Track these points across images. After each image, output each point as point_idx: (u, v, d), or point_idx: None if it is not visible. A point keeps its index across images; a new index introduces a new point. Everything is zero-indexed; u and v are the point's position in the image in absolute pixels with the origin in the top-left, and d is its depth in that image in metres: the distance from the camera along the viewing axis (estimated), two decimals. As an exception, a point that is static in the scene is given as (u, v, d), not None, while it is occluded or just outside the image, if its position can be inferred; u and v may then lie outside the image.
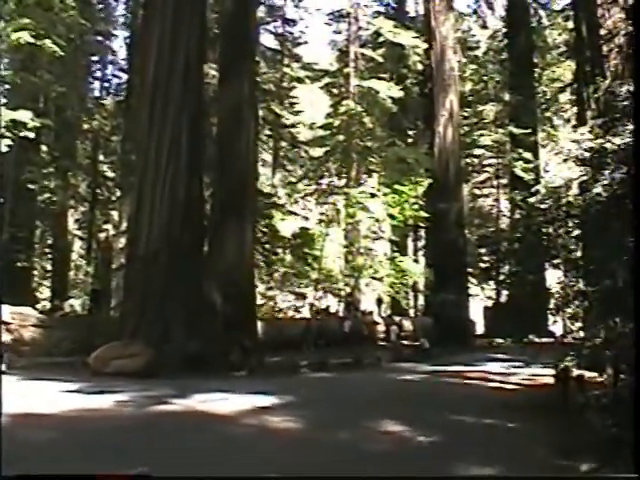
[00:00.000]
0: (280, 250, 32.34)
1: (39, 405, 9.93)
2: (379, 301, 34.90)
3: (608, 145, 8.64)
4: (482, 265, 42.53)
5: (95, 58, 36.73)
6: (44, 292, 36.72)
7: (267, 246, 31.67)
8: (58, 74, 27.42)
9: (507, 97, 42.82)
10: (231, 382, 14.42)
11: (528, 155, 39.19)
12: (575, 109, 31.92)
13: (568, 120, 40.52)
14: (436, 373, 17.81)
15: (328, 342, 23.89)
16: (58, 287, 33.53)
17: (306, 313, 32.52)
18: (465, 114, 40.46)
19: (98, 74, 37.85)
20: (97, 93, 38.14)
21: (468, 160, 43.24)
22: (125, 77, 36.31)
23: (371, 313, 32.14)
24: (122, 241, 28.41)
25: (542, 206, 11.32)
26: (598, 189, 8.73)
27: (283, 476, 4.89)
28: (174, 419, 9.43)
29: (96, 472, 5.81)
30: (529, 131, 39.12)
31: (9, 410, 8.99)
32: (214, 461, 6.82)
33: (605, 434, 6.68)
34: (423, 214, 30.32)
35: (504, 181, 44.50)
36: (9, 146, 22.67)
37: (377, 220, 30.71)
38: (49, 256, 36.34)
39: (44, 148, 32.31)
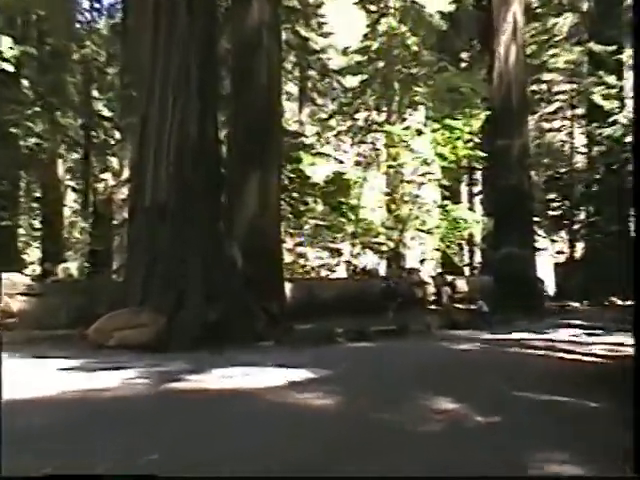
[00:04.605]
0: (310, 199, 32.34)
1: (35, 386, 10.13)
2: (426, 258, 34.88)
3: None
4: (552, 213, 42.19)
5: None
6: (33, 254, 37.26)
7: (295, 195, 31.70)
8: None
9: (585, 6, 41.74)
10: (256, 354, 14.63)
11: (610, 79, 38.24)
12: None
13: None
14: (496, 342, 17.85)
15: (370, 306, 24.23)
16: (50, 248, 33.93)
17: (342, 272, 32.69)
18: (532, 30, 39.55)
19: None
20: (87, 15, 37.87)
21: (535, 87, 42.48)
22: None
23: (418, 272, 32.18)
24: (124, 192, 28.65)
25: (627, 140, 11.07)
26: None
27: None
28: (190, 398, 9.59)
29: (106, 464, 6.00)
30: (612, 49, 38.02)
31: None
32: (235, 447, 6.93)
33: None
34: (480, 153, 30.06)
35: (580, 111, 43.73)
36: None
37: (424, 161, 30.57)
38: (38, 212, 36.71)
39: (26, 83, 32.34)
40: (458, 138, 29.12)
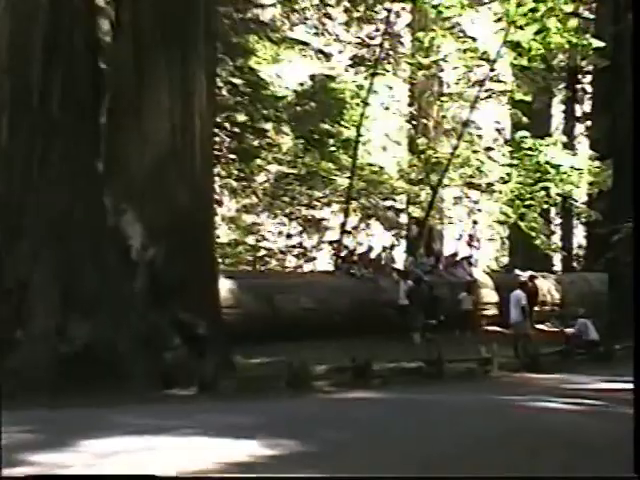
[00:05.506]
0: (270, 125, 32.26)
1: None
2: (480, 237, 35.05)
3: None
4: None
5: None
6: None
7: (242, 117, 31.60)
8: None
9: None
10: (165, 410, 14.68)
11: None
12: None
13: None
14: (615, 396, 17.72)
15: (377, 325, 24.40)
16: None
17: (324, 261, 32.75)
18: None
19: None
20: None
21: None
22: None
23: (468, 263, 32.24)
24: None
25: None
26: None
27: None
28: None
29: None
30: None
31: None
32: None
33: None
34: (593, 41, 29.86)
35: None
36: None
37: (483, 56, 30.51)
38: None
39: None
40: (550, 12, 28.86)
